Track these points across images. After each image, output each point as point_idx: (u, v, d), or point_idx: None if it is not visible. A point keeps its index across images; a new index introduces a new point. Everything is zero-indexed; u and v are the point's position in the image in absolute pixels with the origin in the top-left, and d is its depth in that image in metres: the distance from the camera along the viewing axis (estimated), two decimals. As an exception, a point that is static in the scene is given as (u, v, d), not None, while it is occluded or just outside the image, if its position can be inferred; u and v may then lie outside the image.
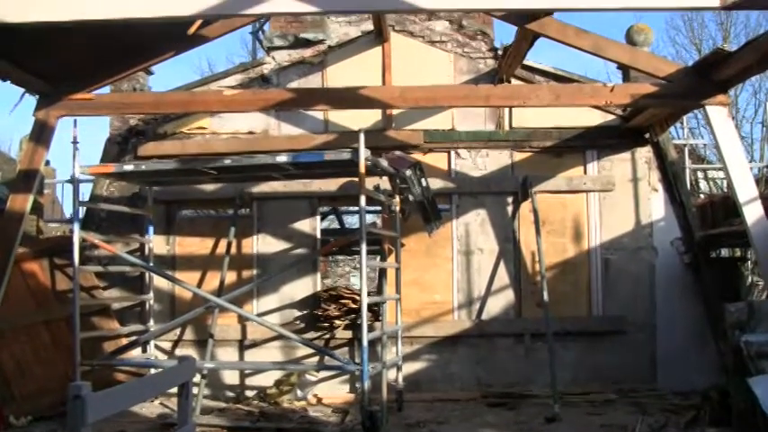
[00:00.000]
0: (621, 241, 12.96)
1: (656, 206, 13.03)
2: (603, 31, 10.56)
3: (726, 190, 18.39)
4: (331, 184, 12.75)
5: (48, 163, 17.06)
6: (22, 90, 10.99)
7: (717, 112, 10.38)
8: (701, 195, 19.68)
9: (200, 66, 36.39)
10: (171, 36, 11.09)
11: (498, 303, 12.93)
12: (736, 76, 10.28)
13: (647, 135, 12.95)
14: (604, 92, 10.92)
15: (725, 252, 17.27)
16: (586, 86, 11.78)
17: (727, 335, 11.50)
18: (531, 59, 12.65)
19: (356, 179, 10.18)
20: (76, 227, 11.21)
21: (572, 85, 12.35)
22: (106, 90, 12.24)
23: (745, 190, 10.05)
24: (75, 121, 11.23)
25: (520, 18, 10.43)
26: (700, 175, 22.04)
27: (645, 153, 13.04)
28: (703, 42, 30.01)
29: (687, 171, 15.45)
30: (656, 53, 14.08)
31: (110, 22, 6.91)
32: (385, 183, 12.09)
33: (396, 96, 11.09)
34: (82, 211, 12.34)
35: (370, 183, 11.19)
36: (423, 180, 11.63)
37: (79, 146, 11.07)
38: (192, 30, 11.09)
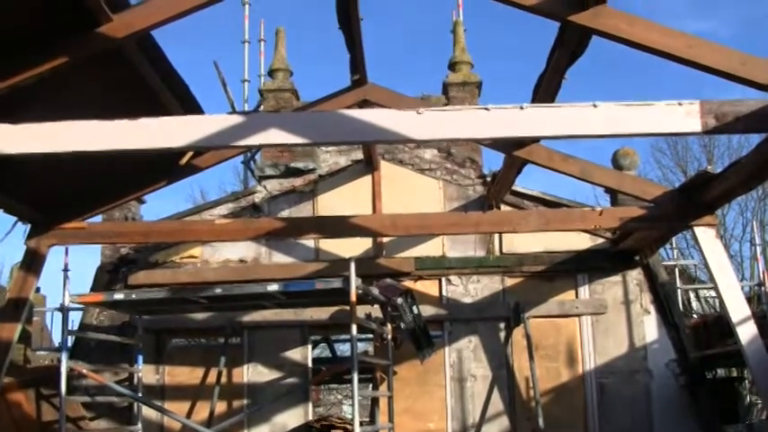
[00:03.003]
0: (616, 364, 12.85)
1: (649, 328, 12.99)
2: (589, 154, 10.80)
3: (718, 309, 18.35)
4: (322, 313, 12.69)
5: (38, 290, 16.95)
6: (14, 218, 11.02)
7: (705, 233, 10.43)
8: (694, 315, 19.61)
9: (192, 194, 36.76)
10: (163, 166, 11.20)
11: (493, 430, 12.70)
12: (722, 197, 10.36)
13: (638, 257, 13.01)
14: (593, 216, 11.00)
15: (721, 372, 17.08)
16: (575, 211, 11.89)
17: (727, 459, 11.32)
18: (519, 183, 12.78)
19: (347, 307, 10.14)
20: (64, 356, 11.10)
21: (561, 210, 12.46)
22: (98, 219, 12.28)
23: (738, 310, 9.97)
24: (66, 249, 11.25)
25: (507, 145, 10.61)
26: (692, 294, 22.00)
27: (636, 275, 13.07)
28: (688, 164, 30.57)
29: (679, 292, 15.43)
30: (642, 176, 14.29)
31: (101, 154, 6.96)
32: (376, 311, 12.05)
33: (386, 224, 11.16)
34: (71, 340, 12.22)
35: (361, 311, 11.15)
36: (414, 307, 11.60)
37: (70, 273, 11.07)
38: (183, 160, 11.22)
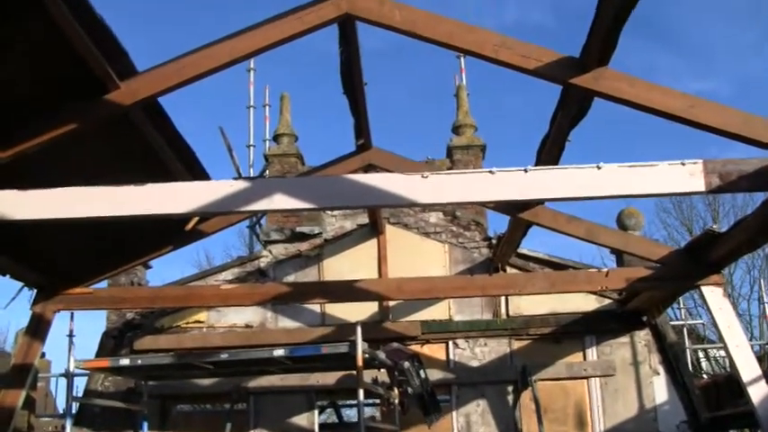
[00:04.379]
0: (625, 427, 12.70)
1: (658, 389, 12.86)
2: (594, 215, 10.77)
3: (729, 369, 18.18)
4: (329, 377, 12.58)
5: (43, 355, 16.85)
6: (20, 284, 11.00)
7: (712, 292, 10.36)
8: (704, 375, 19.43)
9: (197, 259, 36.70)
10: (168, 231, 11.21)
11: (503, 496, 12.52)
12: (728, 255, 10.33)
13: (645, 318, 12.94)
14: (599, 277, 10.96)
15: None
16: (581, 273, 11.84)
17: None
18: (525, 245, 12.78)
19: (354, 372, 10.07)
20: (69, 423, 11.01)
21: (567, 271, 12.44)
22: (103, 284, 12.27)
23: (748, 369, 9.84)
24: (71, 314, 11.22)
25: (512, 208, 10.63)
26: (701, 354, 21.84)
27: (644, 336, 12.99)
28: (693, 223, 30.49)
29: (687, 352, 15.34)
30: (647, 236, 14.27)
31: (107, 219, 6.99)
32: (383, 375, 11.95)
33: (392, 288, 11.14)
34: (75, 406, 12.12)
35: (368, 375, 11.07)
36: (421, 372, 11.50)
37: (75, 338, 11.03)
38: (189, 226, 11.23)
